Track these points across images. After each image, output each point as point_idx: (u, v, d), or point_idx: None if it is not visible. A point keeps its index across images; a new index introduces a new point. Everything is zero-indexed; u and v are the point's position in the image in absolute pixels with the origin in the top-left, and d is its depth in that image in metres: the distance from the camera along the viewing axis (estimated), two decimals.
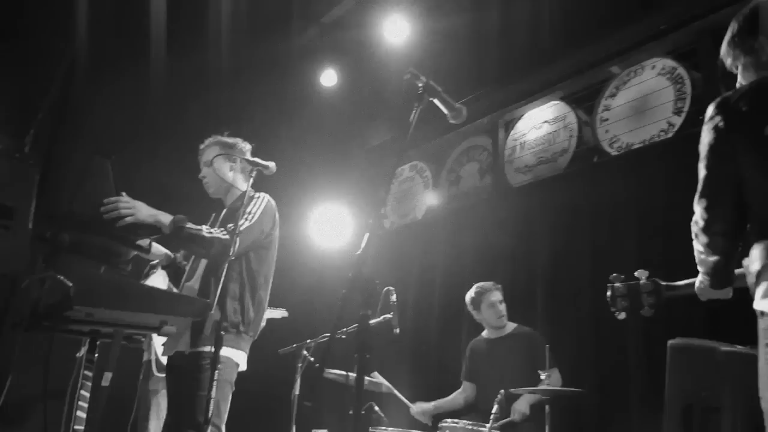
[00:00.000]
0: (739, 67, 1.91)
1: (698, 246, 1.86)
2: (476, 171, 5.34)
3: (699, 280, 1.93)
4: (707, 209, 1.79)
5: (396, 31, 5.48)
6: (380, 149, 6.16)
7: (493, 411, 3.21)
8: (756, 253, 1.69)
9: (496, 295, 3.98)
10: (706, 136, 1.81)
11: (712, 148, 1.79)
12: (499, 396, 3.22)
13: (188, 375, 2.61)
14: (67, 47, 4.78)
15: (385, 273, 5.10)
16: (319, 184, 6.09)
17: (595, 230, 4.13)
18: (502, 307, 3.97)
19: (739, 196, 1.74)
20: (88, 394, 2.61)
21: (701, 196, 1.81)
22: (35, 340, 2.54)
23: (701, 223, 1.81)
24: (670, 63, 4.18)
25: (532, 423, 3.58)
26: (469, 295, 4.04)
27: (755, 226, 1.73)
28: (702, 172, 1.81)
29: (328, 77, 6.13)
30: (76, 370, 3.73)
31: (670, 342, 2.78)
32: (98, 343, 2.51)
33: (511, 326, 4.00)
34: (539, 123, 4.90)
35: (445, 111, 2.00)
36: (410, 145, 5.46)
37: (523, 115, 5.07)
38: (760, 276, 1.66)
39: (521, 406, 3.57)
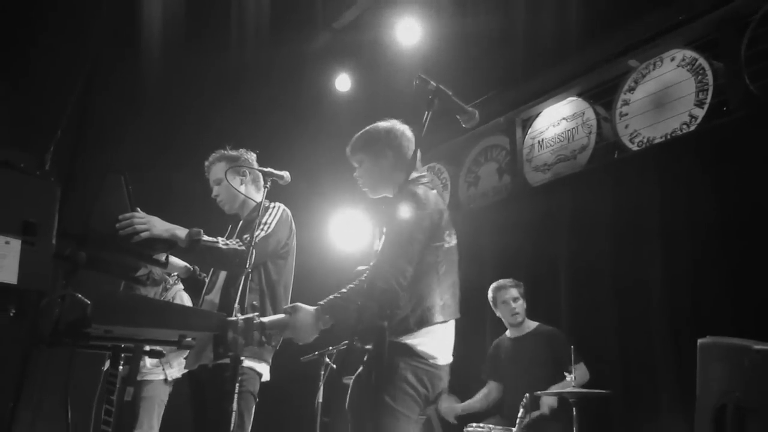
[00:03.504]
0: None
1: None
2: (494, 171, 5.28)
3: None
4: None
5: (409, 33, 5.46)
6: None
7: (519, 415, 3.17)
8: None
9: (512, 293, 3.96)
10: None
11: None
12: (524, 400, 3.17)
13: (212, 388, 2.61)
14: (85, 62, 4.83)
15: None
16: (336, 189, 6.07)
17: (617, 228, 4.05)
18: (517, 305, 3.94)
19: None
20: (112, 409, 2.63)
21: None
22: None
23: None
24: (690, 54, 4.09)
25: (559, 423, 3.52)
26: (489, 293, 4.06)
27: None
28: None
29: (342, 82, 6.12)
30: (102, 384, 3.78)
31: (700, 341, 2.71)
32: (122, 356, 2.53)
33: (532, 324, 3.97)
34: (557, 120, 4.83)
35: (457, 115, 1.96)
36: (427, 147, 5.43)
37: (540, 113, 5.00)
38: None
39: (550, 400, 3.53)
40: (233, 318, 2.21)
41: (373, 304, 1.91)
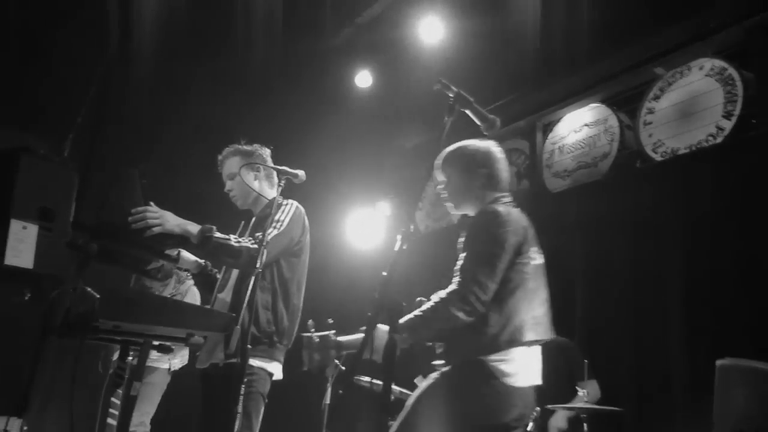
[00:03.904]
0: None
1: None
2: (513, 175, 5.21)
3: None
4: None
5: (431, 32, 5.40)
6: (415, 151, 6.08)
7: (529, 428, 3.11)
8: None
9: None
10: None
11: None
12: (534, 414, 3.11)
13: (222, 387, 2.59)
14: (106, 51, 4.85)
15: (418, 277, 5.02)
16: (354, 186, 6.04)
17: (637, 239, 3.97)
18: None
19: None
20: (118, 401, 2.63)
21: None
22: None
23: None
24: (719, 63, 3.99)
25: None
26: None
27: None
28: None
29: (363, 78, 6.08)
30: (109, 377, 3.79)
31: (718, 362, 2.64)
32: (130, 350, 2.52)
33: None
34: (579, 126, 4.75)
35: (477, 122, 1.91)
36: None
37: (562, 118, 4.92)
38: None
39: (559, 422, 3.46)
40: (308, 334, 2.19)
41: (457, 322, 1.94)
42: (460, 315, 1.96)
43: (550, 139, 4.94)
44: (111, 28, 4.70)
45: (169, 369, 4.17)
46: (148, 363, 4.15)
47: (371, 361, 2.06)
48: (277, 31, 5.42)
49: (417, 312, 2.09)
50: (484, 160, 2.33)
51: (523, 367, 2.06)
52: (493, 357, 2.00)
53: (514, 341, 2.03)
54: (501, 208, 2.16)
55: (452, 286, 2.05)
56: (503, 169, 2.35)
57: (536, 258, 2.21)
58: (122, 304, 2.05)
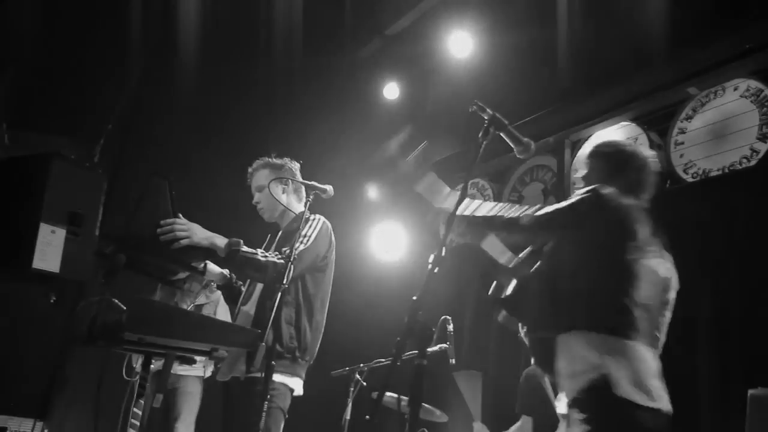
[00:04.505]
0: None
1: None
2: (540, 192, 5.15)
3: None
4: None
5: (461, 46, 5.38)
6: (442, 165, 6.05)
7: None
8: None
9: None
10: None
11: None
12: None
13: (242, 400, 2.59)
14: (140, 58, 4.91)
15: (442, 292, 4.98)
16: (380, 199, 6.03)
17: None
18: None
19: None
20: (140, 412, 2.63)
21: None
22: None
23: None
24: (755, 84, 3.91)
25: None
26: None
27: None
28: None
29: (391, 90, 6.08)
30: (131, 385, 3.80)
31: (750, 392, 2.57)
32: (153, 361, 2.53)
33: None
34: None
35: (512, 145, 1.88)
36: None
37: (591, 136, 4.86)
38: None
39: None
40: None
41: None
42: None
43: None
44: (146, 38, 4.76)
45: (203, 377, 4.20)
46: (184, 372, 4.18)
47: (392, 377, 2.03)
48: (305, 43, 5.45)
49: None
50: (638, 165, 2.22)
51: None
52: None
53: None
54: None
55: None
56: (649, 180, 2.24)
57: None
58: (148, 317, 2.06)
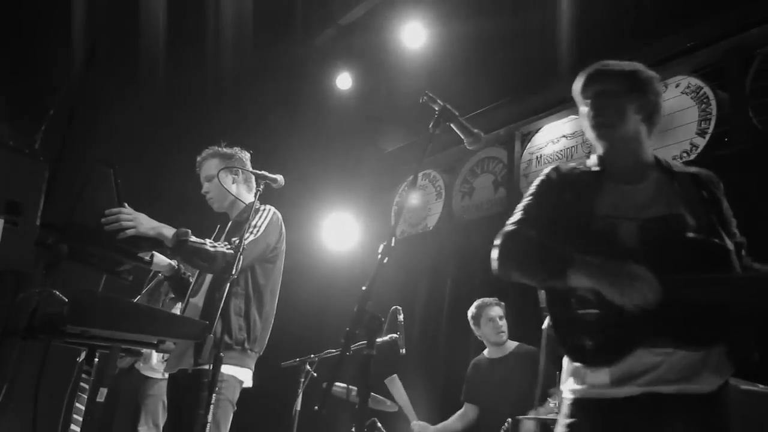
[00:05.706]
0: None
1: None
2: (490, 183, 5.23)
3: None
4: None
5: (414, 36, 5.40)
6: (394, 155, 6.07)
7: None
8: None
9: (496, 311, 3.87)
10: None
11: None
12: (506, 424, 3.12)
13: (190, 393, 2.54)
14: (86, 39, 4.74)
15: (393, 282, 5.01)
16: (332, 189, 6.01)
17: None
18: (503, 323, 3.86)
19: None
20: (83, 407, 2.56)
21: None
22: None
23: None
24: (695, 82, 4.06)
25: None
26: (471, 310, 3.94)
27: None
28: None
29: (344, 80, 6.05)
30: (75, 377, 3.69)
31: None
32: (97, 353, 2.46)
33: (512, 345, 3.88)
34: (557, 137, 4.79)
35: (462, 136, 1.90)
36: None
37: (540, 128, 4.95)
38: None
39: (530, 428, 3.46)
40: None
41: None
42: None
43: (528, 149, 4.98)
44: (92, 18, 4.60)
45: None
46: (149, 374, 4.08)
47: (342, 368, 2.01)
48: (256, 32, 5.36)
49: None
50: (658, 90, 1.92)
51: None
52: None
53: None
54: None
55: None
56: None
57: None
58: (91, 309, 1.99)
